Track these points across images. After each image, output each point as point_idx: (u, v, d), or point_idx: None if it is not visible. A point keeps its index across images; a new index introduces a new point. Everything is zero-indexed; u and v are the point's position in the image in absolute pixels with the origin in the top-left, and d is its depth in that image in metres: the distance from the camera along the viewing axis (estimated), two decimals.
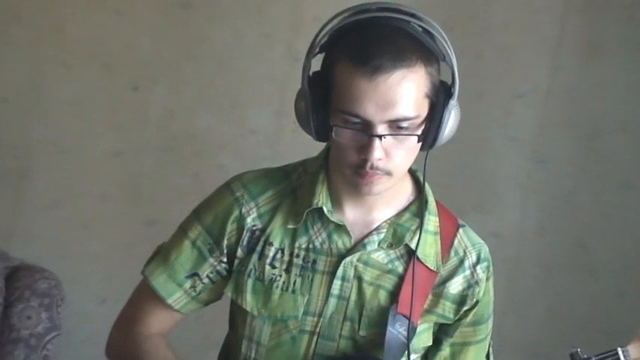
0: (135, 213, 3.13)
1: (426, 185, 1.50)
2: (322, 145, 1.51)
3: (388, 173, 1.36)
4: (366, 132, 1.30)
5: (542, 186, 3.18)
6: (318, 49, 1.34)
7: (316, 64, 1.38)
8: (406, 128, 1.31)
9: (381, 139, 1.30)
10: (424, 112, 1.34)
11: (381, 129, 1.30)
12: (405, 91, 1.28)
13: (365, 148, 1.32)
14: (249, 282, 1.48)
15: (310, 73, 1.34)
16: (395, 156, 1.34)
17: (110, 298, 3.05)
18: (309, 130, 1.37)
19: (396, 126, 1.31)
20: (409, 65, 1.28)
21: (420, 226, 1.45)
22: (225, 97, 3.19)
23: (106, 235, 3.10)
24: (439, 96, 1.34)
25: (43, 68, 2.96)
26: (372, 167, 1.33)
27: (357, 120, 1.30)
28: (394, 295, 1.45)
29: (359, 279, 1.46)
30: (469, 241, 1.53)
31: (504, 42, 3.16)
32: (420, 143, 1.35)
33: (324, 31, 1.31)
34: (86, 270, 3.07)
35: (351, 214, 1.48)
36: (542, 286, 3.18)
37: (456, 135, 1.43)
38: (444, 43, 1.31)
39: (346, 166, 1.36)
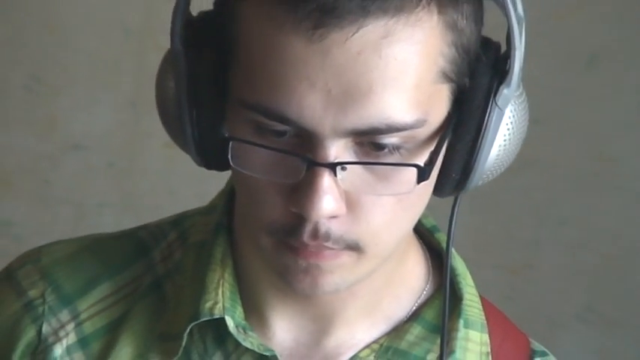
0: None
1: (458, 260, 1.06)
2: None
3: (353, 247, 0.91)
4: (303, 154, 0.90)
5: None
6: None
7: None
8: (395, 150, 0.90)
9: (335, 171, 0.89)
10: (439, 111, 0.91)
11: (337, 149, 0.89)
12: (392, 65, 0.88)
13: (300, 191, 0.89)
14: None
15: (190, 17, 0.95)
16: (370, 209, 0.92)
17: None
18: (183, 143, 0.95)
19: (370, 143, 0.90)
20: (403, 7, 0.86)
21: (441, 354, 1.02)
22: (14, 69, 2.48)
23: None
24: (478, 77, 0.92)
25: None
26: (315, 234, 0.89)
27: (284, 128, 0.90)
28: None
29: None
30: None
31: None
32: (431, 182, 0.92)
33: None
34: None
35: (288, 332, 1.05)
36: None
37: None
38: None
39: (260, 229, 0.94)
